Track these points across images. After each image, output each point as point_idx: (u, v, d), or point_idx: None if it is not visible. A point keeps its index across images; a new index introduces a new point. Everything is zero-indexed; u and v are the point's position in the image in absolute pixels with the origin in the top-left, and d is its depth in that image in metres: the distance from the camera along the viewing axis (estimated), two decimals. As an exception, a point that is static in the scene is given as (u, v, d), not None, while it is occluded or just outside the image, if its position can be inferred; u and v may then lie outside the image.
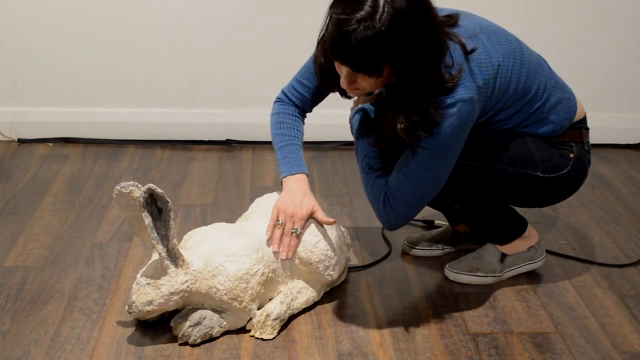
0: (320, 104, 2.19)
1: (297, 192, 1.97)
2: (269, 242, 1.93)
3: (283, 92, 2.10)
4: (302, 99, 2.07)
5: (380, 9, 1.61)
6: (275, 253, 1.92)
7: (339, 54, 1.68)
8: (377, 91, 2.01)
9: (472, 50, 1.81)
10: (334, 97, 2.03)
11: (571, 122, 2.01)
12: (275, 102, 2.11)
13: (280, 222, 1.93)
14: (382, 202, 1.95)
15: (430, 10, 1.69)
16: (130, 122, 3.15)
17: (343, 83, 1.76)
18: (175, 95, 3.15)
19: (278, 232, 1.93)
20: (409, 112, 1.76)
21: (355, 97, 2.05)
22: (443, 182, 1.91)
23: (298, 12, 2.99)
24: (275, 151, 2.07)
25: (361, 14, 1.61)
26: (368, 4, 1.62)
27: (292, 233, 1.93)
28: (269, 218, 1.96)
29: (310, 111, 2.13)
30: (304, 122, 2.11)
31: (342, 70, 1.75)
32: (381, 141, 1.89)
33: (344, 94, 1.91)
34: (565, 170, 2.00)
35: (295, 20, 2.99)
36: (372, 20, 1.61)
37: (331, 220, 1.98)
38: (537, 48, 2.04)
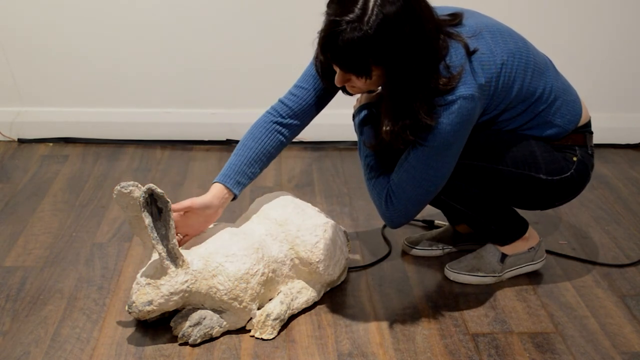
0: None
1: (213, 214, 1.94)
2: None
3: (280, 100, 2.02)
4: (301, 102, 2.00)
5: (369, 12, 1.64)
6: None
7: (327, 53, 1.72)
8: (379, 90, 2.01)
9: (475, 50, 1.81)
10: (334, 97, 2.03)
11: (576, 126, 2.00)
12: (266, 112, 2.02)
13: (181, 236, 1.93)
14: (385, 200, 1.95)
15: (423, 16, 1.70)
16: (130, 122, 3.15)
17: (337, 81, 1.80)
18: (175, 95, 3.15)
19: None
20: (398, 115, 1.78)
21: (359, 95, 2.05)
22: (445, 179, 1.91)
23: (298, 11, 2.99)
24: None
25: (350, 16, 1.65)
26: (358, 6, 1.65)
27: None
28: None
29: (312, 115, 2.03)
30: (285, 136, 2.00)
31: (336, 69, 1.78)
32: (377, 143, 1.90)
33: (345, 90, 1.92)
34: (569, 174, 2.00)
35: (296, 20, 2.99)
36: (360, 23, 1.65)
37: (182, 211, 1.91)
38: (537, 47, 2.04)
